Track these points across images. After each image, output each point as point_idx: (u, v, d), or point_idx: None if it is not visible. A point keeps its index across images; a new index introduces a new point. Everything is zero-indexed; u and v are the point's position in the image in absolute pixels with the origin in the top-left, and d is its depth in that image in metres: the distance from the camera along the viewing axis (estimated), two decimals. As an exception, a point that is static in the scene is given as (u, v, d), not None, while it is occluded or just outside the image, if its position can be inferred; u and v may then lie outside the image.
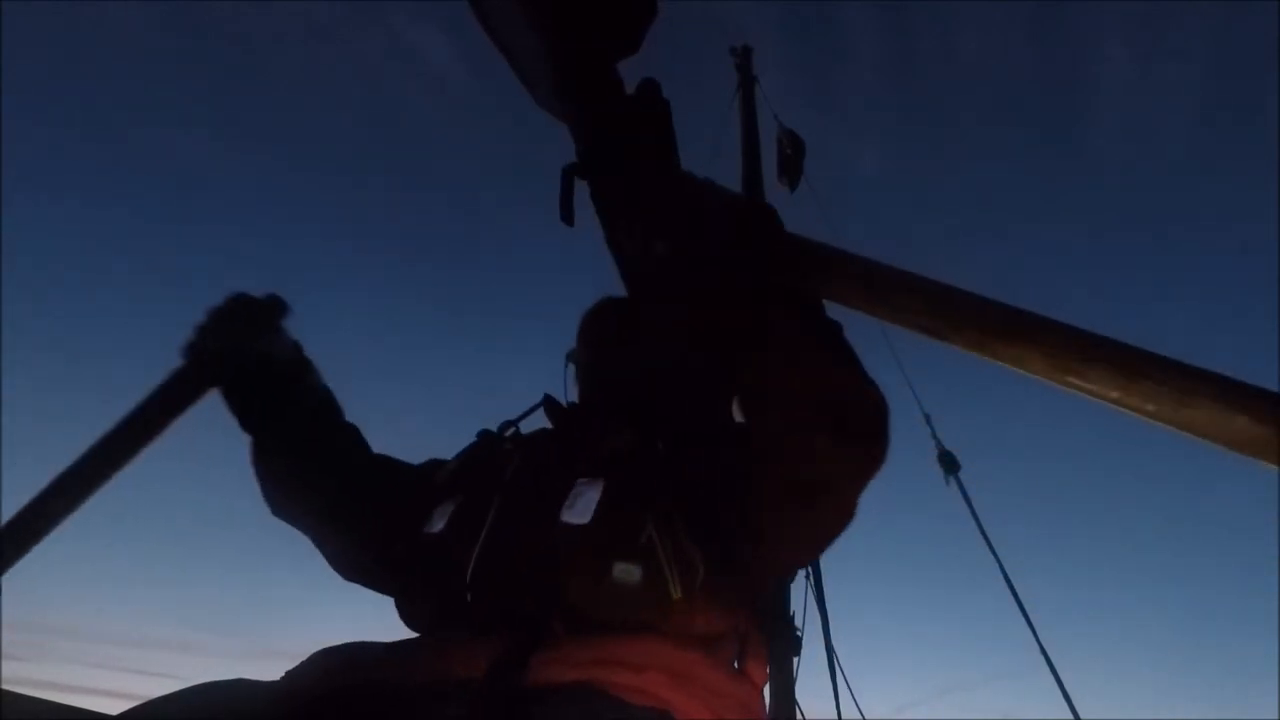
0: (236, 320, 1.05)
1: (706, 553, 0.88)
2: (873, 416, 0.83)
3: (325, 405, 1.17)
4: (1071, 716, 2.49)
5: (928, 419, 3.28)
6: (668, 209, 0.92)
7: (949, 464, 3.12)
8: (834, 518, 0.86)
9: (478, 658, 0.78)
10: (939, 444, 3.19)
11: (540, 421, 1.20)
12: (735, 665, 0.95)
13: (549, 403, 1.19)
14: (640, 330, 1.22)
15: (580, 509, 0.90)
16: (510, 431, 1.16)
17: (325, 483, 1.10)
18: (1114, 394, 0.61)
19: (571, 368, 1.26)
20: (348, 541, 1.11)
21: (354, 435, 1.19)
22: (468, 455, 1.15)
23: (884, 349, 3.61)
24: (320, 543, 1.14)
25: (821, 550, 0.95)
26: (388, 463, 1.20)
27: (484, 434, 1.18)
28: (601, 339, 1.25)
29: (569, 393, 1.26)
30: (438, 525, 0.99)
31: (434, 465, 1.17)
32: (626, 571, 0.85)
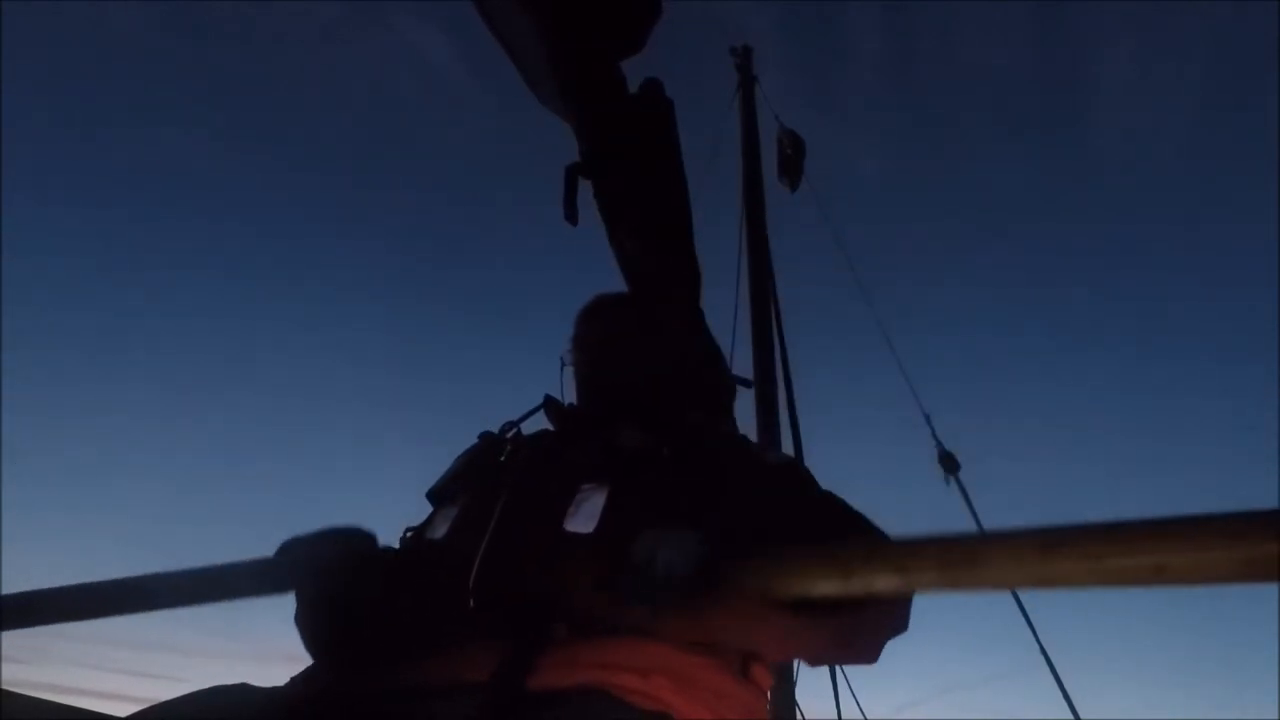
0: (334, 559, 0.98)
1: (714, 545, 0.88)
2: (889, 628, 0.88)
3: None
4: (1071, 717, 2.50)
5: (928, 419, 3.28)
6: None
7: (949, 464, 3.13)
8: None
9: (482, 661, 0.78)
10: (939, 444, 3.19)
11: (541, 423, 1.19)
12: (740, 669, 0.94)
13: (550, 404, 1.17)
14: (639, 329, 1.20)
15: (584, 516, 0.89)
16: (512, 433, 1.15)
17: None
18: (1089, 577, 0.61)
19: (568, 369, 1.24)
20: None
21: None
22: (469, 458, 1.14)
23: (884, 349, 3.62)
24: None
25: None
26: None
27: (485, 435, 1.17)
28: (599, 339, 1.22)
29: (565, 394, 1.24)
30: (440, 530, 0.98)
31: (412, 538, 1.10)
32: None
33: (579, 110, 1.10)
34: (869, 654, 0.90)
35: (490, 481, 1.01)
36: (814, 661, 0.95)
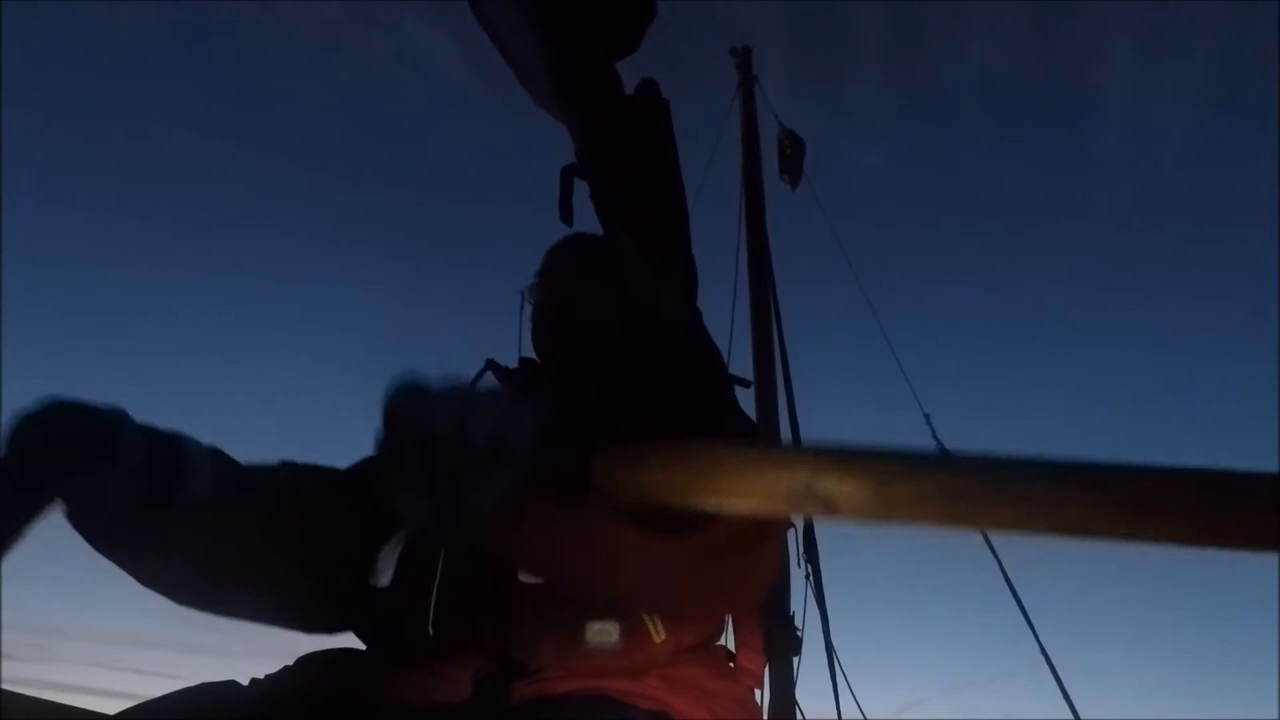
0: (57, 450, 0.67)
1: None
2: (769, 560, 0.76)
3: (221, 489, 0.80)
4: (1071, 717, 2.49)
5: (928, 419, 3.28)
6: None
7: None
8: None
9: (463, 677, 0.77)
10: (939, 444, 3.19)
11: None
12: (726, 664, 0.94)
13: (493, 369, 1.02)
14: (619, 276, 1.06)
15: None
16: None
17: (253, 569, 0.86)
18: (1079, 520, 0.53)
19: (529, 308, 1.06)
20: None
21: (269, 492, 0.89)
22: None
23: (884, 349, 3.62)
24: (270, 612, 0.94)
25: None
26: (315, 491, 0.93)
27: None
28: (573, 278, 1.05)
29: (522, 339, 1.07)
30: (384, 577, 0.87)
31: (367, 469, 0.98)
32: (602, 632, 0.76)
33: (574, 111, 1.09)
34: (736, 597, 0.80)
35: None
36: (671, 608, 0.77)
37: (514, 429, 0.53)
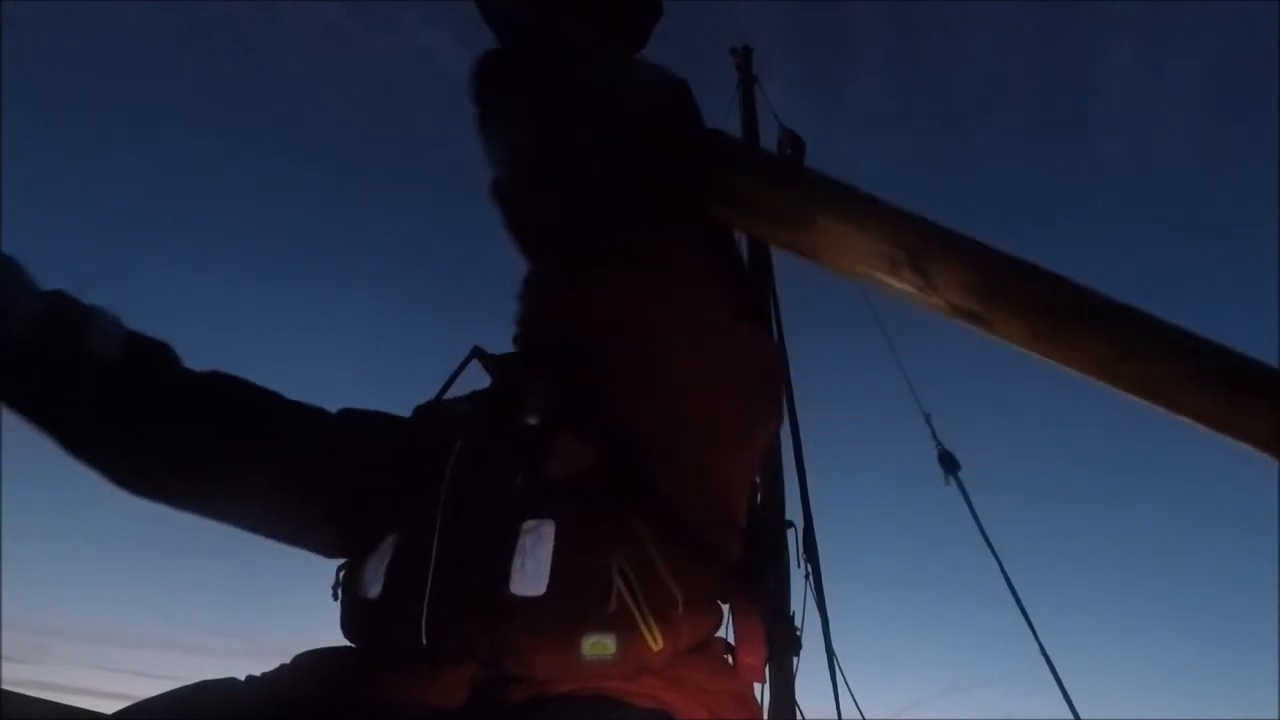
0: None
1: (681, 571, 0.82)
2: (774, 378, 0.84)
3: (150, 368, 0.85)
4: (1071, 716, 2.49)
5: (928, 419, 3.28)
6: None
7: (949, 464, 3.12)
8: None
9: (458, 682, 0.77)
10: (939, 444, 3.19)
11: (475, 378, 1.03)
12: (724, 661, 0.94)
13: (480, 356, 1.01)
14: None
15: (532, 573, 0.78)
16: (445, 411, 1.00)
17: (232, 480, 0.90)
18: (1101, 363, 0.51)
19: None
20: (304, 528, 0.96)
21: (223, 393, 0.91)
22: (399, 452, 0.96)
23: (884, 349, 3.62)
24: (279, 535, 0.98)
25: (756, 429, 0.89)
26: (291, 419, 0.96)
27: (420, 411, 1.02)
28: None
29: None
30: (373, 589, 0.85)
31: (354, 419, 0.99)
32: (598, 645, 0.76)
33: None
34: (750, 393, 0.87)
35: (421, 506, 0.87)
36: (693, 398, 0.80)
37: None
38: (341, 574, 0.93)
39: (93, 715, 1.09)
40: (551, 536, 0.80)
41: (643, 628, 0.77)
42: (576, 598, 0.78)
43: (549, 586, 0.77)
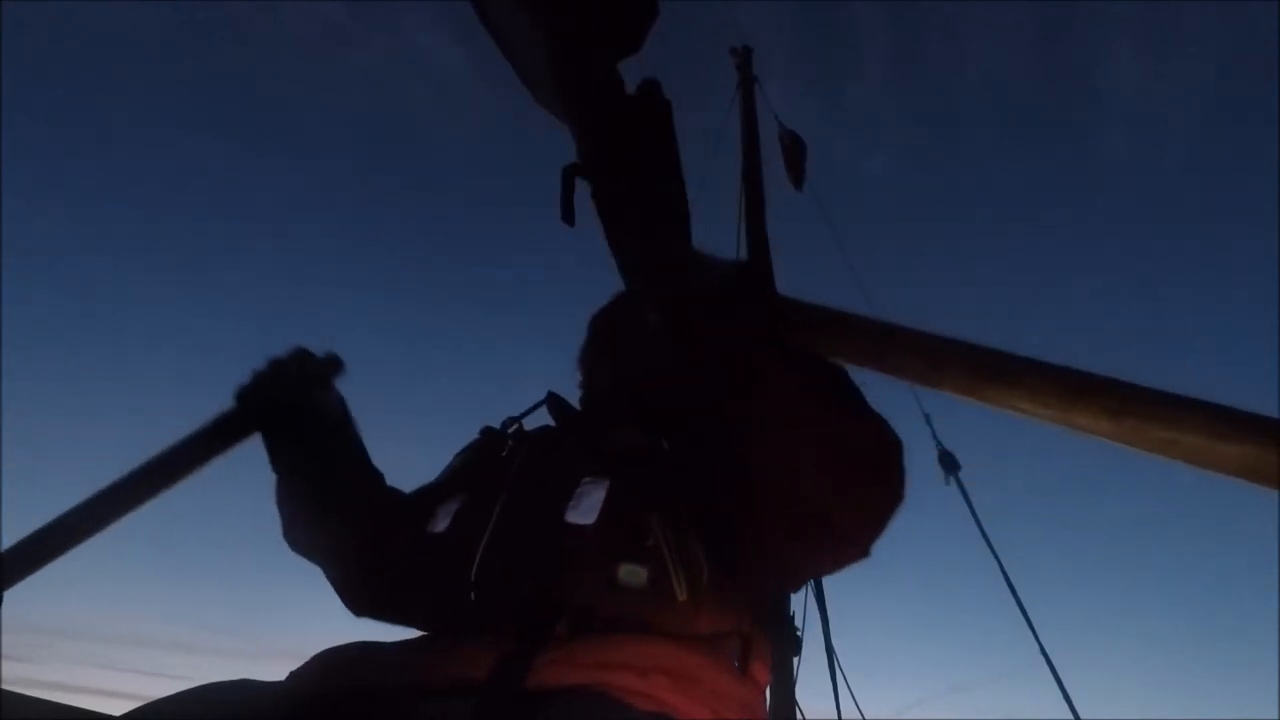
0: (293, 374, 1.06)
1: (712, 553, 0.88)
2: (881, 453, 0.79)
3: (356, 456, 1.16)
4: (1071, 717, 2.50)
5: (928, 419, 3.28)
6: (660, 279, 0.94)
7: (949, 464, 3.13)
8: (839, 554, 0.83)
9: (481, 659, 0.78)
10: (939, 444, 3.19)
11: (544, 419, 1.19)
12: (737, 666, 0.94)
13: (553, 400, 1.18)
14: (644, 329, 1.20)
15: (585, 509, 0.89)
16: (513, 428, 1.14)
17: (337, 517, 1.10)
18: (1105, 429, 0.63)
19: (578, 375, 1.25)
20: (351, 556, 1.11)
21: (375, 478, 1.18)
22: (471, 452, 1.14)
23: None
24: (331, 569, 1.14)
25: (823, 574, 0.96)
26: (394, 492, 1.20)
27: (487, 430, 1.16)
28: (612, 338, 1.23)
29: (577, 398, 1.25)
30: (441, 524, 0.98)
31: (426, 490, 1.16)
32: (632, 573, 0.84)
33: (577, 111, 1.09)
34: (870, 498, 0.81)
35: (492, 477, 1.01)
36: (806, 506, 0.80)
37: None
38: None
39: (93, 715, 1.09)
40: (605, 487, 0.91)
41: (672, 572, 0.84)
42: (619, 530, 0.87)
43: (598, 518, 0.88)
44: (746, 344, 0.80)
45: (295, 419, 1.06)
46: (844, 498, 0.78)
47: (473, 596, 0.87)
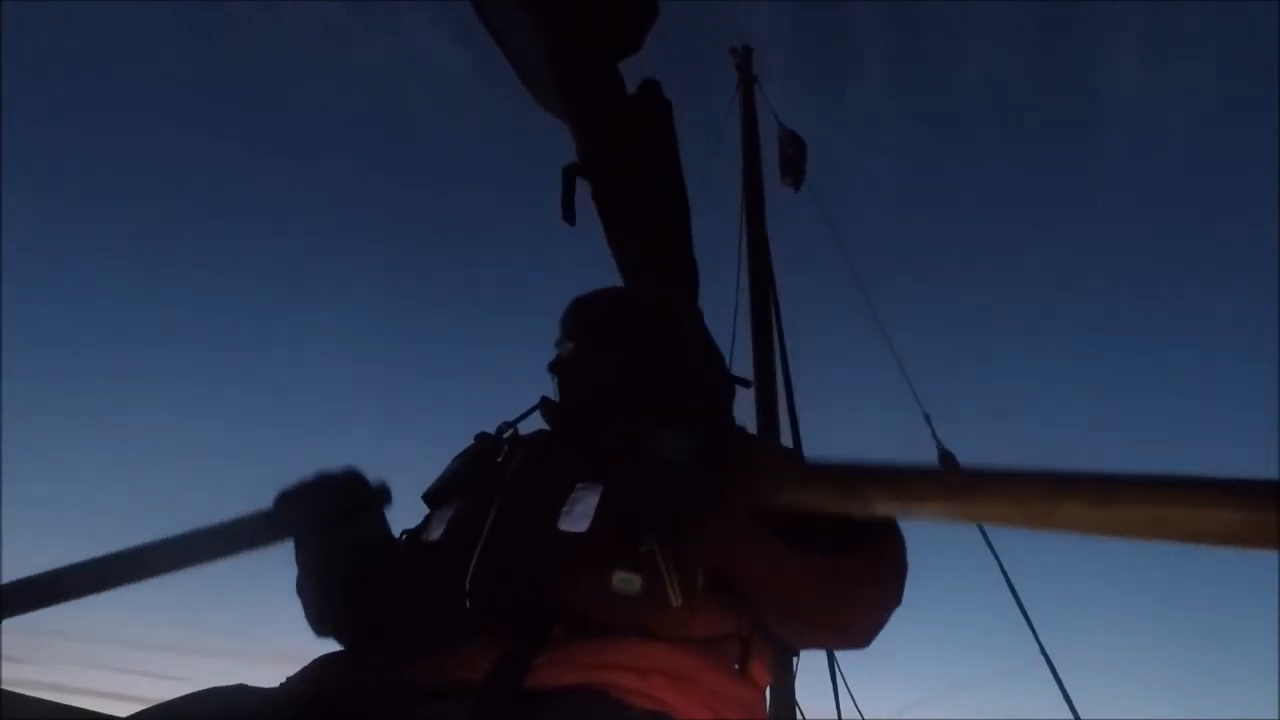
0: (339, 497, 1.04)
1: (709, 566, 0.87)
2: (885, 587, 0.88)
3: (380, 557, 1.11)
4: (1071, 717, 2.50)
5: (928, 419, 3.28)
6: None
7: (949, 464, 3.13)
8: (836, 644, 0.91)
9: (478, 661, 0.78)
10: (939, 444, 3.19)
11: (539, 424, 1.19)
12: (737, 667, 0.94)
13: (546, 404, 1.16)
14: (633, 323, 1.18)
15: (578, 516, 0.89)
16: (508, 434, 1.13)
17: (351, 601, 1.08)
18: (1095, 527, 0.62)
19: (557, 360, 1.20)
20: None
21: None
22: (465, 460, 1.13)
23: (885, 350, 3.62)
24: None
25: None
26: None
27: (481, 436, 1.15)
28: (589, 330, 1.19)
29: (554, 393, 1.21)
30: (435, 533, 0.98)
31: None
32: (626, 580, 0.84)
33: (577, 111, 1.10)
34: (862, 617, 0.91)
35: (486, 484, 1.00)
36: (804, 621, 0.93)
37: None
38: (404, 535, 1.07)
39: (93, 715, 1.09)
40: (599, 492, 0.91)
41: (666, 578, 0.84)
42: (613, 537, 0.87)
43: (590, 525, 0.87)
44: (716, 529, 0.85)
45: (331, 538, 1.05)
46: (843, 621, 0.90)
47: (468, 604, 0.87)
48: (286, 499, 1.02)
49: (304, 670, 0.88)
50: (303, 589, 1.09)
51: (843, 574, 0.83)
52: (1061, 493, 0.61)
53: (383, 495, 1.08)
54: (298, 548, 1.06)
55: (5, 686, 1.06)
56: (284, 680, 0.87)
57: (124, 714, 0.79)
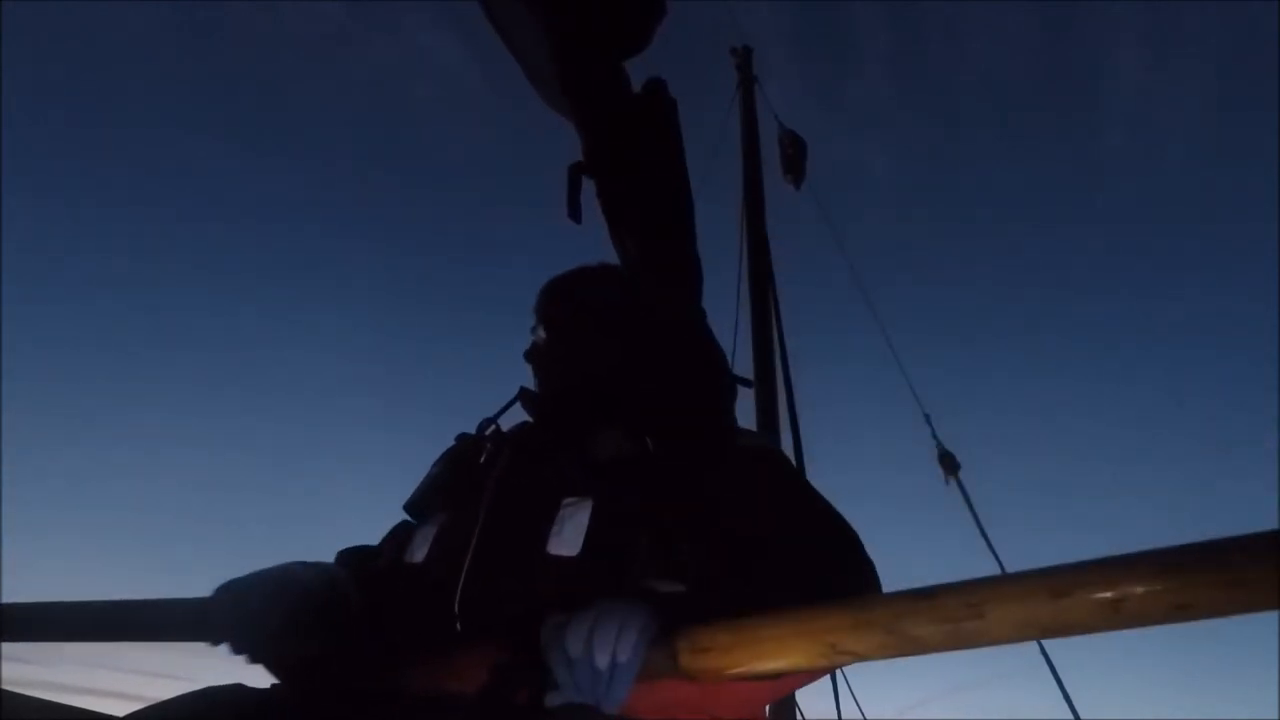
0: (292, 618, 0.87)
1: (703, 560, 0.85)
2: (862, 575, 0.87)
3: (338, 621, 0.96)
4: (1071, 717, 2.50)
5: (928, 419, 3.28)
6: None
7: (949, 464, 3.13)
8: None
9: (473, 671, 0.77)
10: (939, 444, 3.19)
11: (519, 415, 1.12)
12: None
13: (526, 395, 1.11)
14: (622, 304, 1.12)
15: (568, 538, 0.85)
16: (490, 430, 1.09)
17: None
18: (1107, 622, 0.57)
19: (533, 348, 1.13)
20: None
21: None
22: (445, 463, 1.09)
23: (885, 350, 3.62)
24: None
25: None
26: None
27: (462, 437, 1.11)
28: (572, 313, 1.12)
29: (531, 381, 1.15)
30: (419, 553, 0.93)
31: (395, 538, 1.07)
32: None
33: (582, 110, 1.09)
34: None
35: (468, 495, 0.96)
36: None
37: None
38: (388, 538, 1.03)
39: (93, 715, 1.09)
40: (589, 510, 0.86)
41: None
42: (605, 562, 0.83)
43: (582, 550, 0.83)
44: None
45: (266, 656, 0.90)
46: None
47: (458, 626, 0.84)
48: (223, 608, 0.87)
49: (295, 672, 0.87)
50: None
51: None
52: (1068, 593, 0.56)
53: (344, 603, 0.92)
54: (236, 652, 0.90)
55: (5, 686, 1.06)
56: (284, 679, 0.86)
57: (123, 714, 0.79)
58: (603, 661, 0.68)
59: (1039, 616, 0.57)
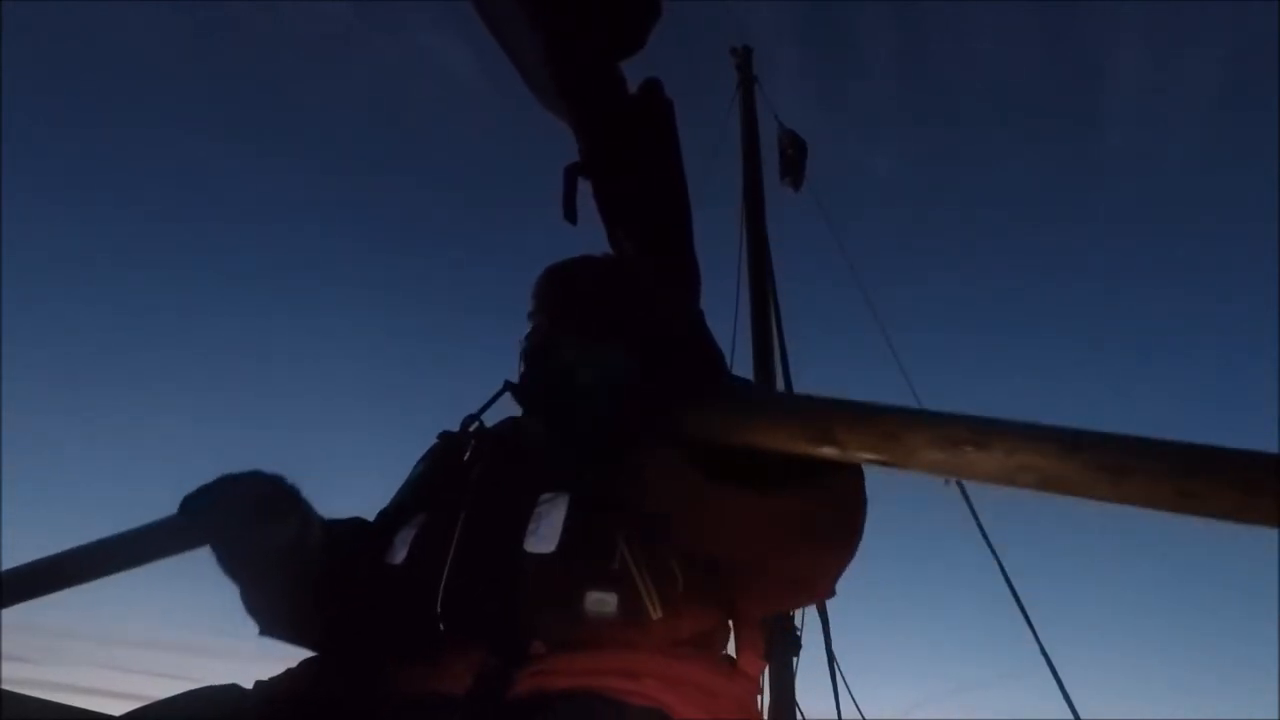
0: (243, 506, 0.89)
1: (683, 554, 0.85)
2: (850, 523, 0.84)
3: (307, 573, 0.96)
4: (1071, 717, 2.50)
5: (928, 419, 3.27)
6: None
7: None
8: (809, 596, 0.88)
9: (459, 672, 0.77)
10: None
11: (507, 408, 1.09)
12: (728, 664, 0.94)
13: (511, 388, 1.07)
14: (618, 293, 1.09)
15: (544, 535, 0.84)
16: (474, 427, 1.06)
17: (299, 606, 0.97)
18: (1104, 490, 0.56)
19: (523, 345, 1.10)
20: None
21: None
22: (427, 463, 1.07)
23: (885, 350, 3.62)
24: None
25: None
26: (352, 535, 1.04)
27: (444, 435, 1.09)
28: (566, 300, 1.09)
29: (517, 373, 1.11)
30: (399, 555, 0.92)
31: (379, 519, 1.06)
32: (600, 602, 0.81)
33: (578, 111, 1.09)
34: (821, 564, 0.88)
35: (449, 493, 0.95)
36: (768, 581, 0.90)
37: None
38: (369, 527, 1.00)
39: (93, 715, 1.09)
40: (565, 505, 0.86)
41: (643, 592, 0.81)
42: (582, 555, 0.83)
43: (559, 545, 0.83)
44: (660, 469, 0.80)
45: (242, 547, 0.92)
46: (803, 573, 0.89)
47: (441, 628, 0.84)
48: (190, 507, 0.89)
49: (295, 671, 0.87)
50: (243, 594, 0.96)
51: (804, 511, 0.79)
52: (986, 438, 0.57)
53: (293, 499, 0.93)
54: (218, 555, 0.92)
55: (5, 686, 1.06)
56: (275, 679, 0.86)
57: (123, 714, 0.79)
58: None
59: (1040, 465, 0.56)
